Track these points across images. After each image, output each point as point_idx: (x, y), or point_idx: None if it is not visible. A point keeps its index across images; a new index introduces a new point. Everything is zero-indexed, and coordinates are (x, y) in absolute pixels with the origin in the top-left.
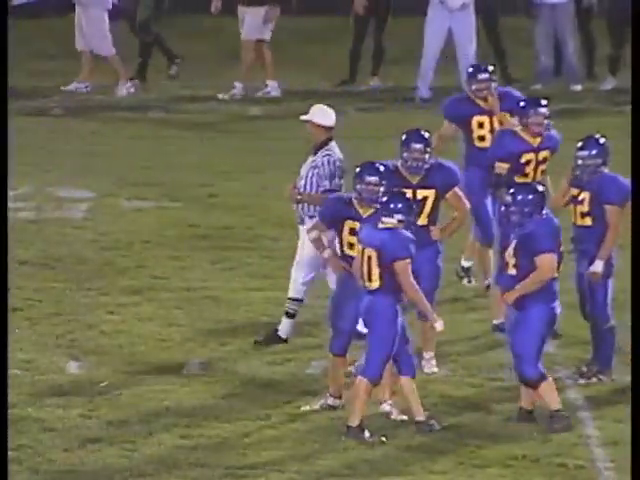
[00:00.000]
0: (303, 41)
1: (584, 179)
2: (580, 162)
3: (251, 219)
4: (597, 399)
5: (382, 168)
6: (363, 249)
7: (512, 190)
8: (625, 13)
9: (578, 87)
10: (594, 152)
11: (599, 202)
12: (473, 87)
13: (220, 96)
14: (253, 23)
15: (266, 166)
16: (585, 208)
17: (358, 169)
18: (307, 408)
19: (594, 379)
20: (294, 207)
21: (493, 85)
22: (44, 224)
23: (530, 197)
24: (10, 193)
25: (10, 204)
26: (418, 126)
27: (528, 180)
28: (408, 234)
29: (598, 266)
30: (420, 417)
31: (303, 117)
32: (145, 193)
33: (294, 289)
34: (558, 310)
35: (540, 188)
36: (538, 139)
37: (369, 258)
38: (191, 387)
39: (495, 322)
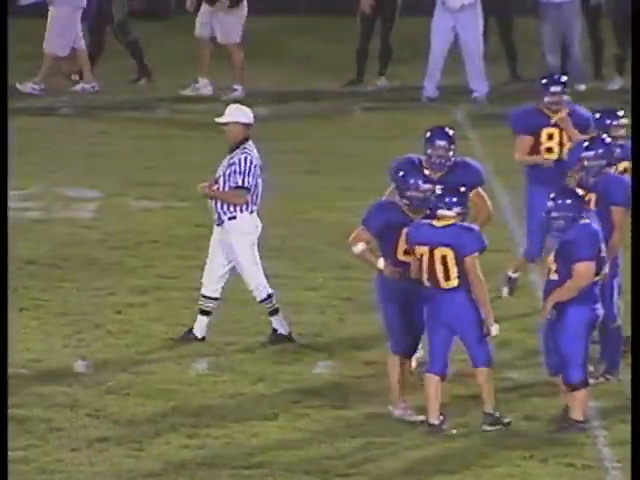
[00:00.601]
0: (310, 40)
1: (589, 180)
2: (586, 163)
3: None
4: (605, 399)
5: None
6: (432, 250)
7: (554, 195)
8: (620, 15)
9: (582, 87)
10: (600, 152)
11: (605, 203)
12: (545, 99)
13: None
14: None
15: (272, 166)
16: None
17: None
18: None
19: (601, 379)
20: (212, 207)
21: (565, 98)
22: (52, 224)
23: (572, 202)
24: (18, 193)
25: (18, 204)
26: (424, 126)
27: None
28: (476, 227)
29: (604, 267)
30: (489, 409)
31: (221, 119)
32: (152, 193)
33: (259, 290)
34: (600, 312)
35: (581, 193)
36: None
37: (443, 257)
38: (198, 387)
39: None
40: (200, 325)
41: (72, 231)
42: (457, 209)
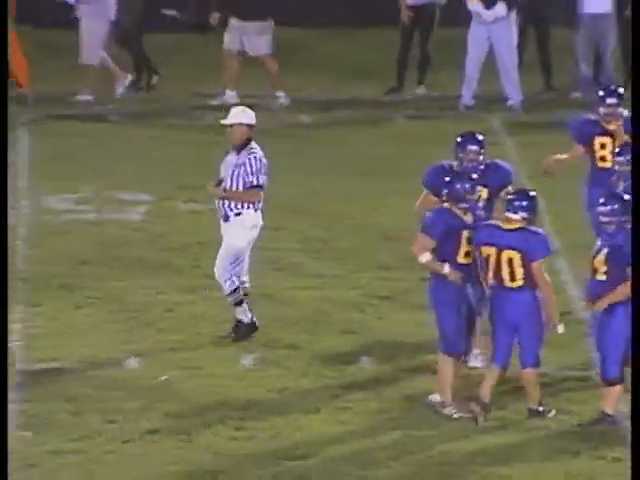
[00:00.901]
0: (352, 51)
1: (621, 184)
2: (617, 167)
3: (301, 221)
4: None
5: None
6: (499, 252)
7: (603, 200)
8: None
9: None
10: (628, 157)
11: None
12: (601, 110)
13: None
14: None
15: (316, 170)
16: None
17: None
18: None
19: None
20: (217, 205)
21: (620, 110)
22: (104, 226)
23: (620, 206)
24: (71, 196)
25: (71, 207)
26: (468, 131)
27: None
28: (543, 233)
29: None
30: (534, 405)
31: (226, 121)
32: (200, 196)
33: (227, 287)
34: None
35: (627, 197)
36: None
37: (510, 260)
38: (245, 381)
39: None
40: (238, 313)
41: (123, 233)
42: (524, 214)
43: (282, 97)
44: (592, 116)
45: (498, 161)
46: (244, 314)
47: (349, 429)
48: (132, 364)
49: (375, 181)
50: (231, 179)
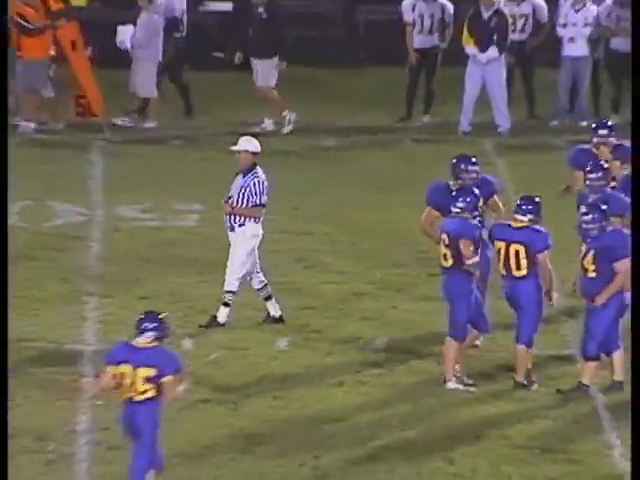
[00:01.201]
0: (368, 86)
1: (591, 196)
2: (588, 182)
3: (328, 226)
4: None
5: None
6: (508, 245)
7: (585, 211)
8: (621, 65)
9: (584, 123)
10: (600, 174)
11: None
12: (594, 140)
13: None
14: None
15: (340, 185)
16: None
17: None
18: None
19: None
20: (226, 217)
21: (610, 139)
22: (165, 230)
23: (600, 214)
24: (138, 207)
25: (138, 215)
26: (461, 154)
27: None
28: (544, 230)
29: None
30: (520, 378)
31: (235, 147)
32: None
33: (230, 284)
34: (628, 301)
35: (604, 207)
36: None
37: (517, 252)
38: (281, 360)
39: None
40: (222, 313)
41: (180, 236)
42: (530, 216)
43: (268, 123)
44: (584, 146)
45: (486, 175)
46: (223, 314)
47: (367, 399)
48: (187, 345)
49: (388, 194)
50: (238, 197)
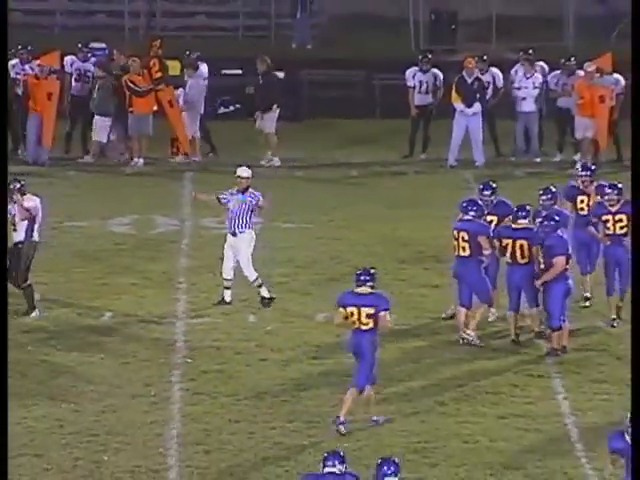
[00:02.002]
0: (383, 132)
1: (543, 213)
2: (541, 202)
3: (353, 233)
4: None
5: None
6: (514, 241)
7: (540, 220)
8: (565, 118)
9: (538, 159)
10: (549, 196)
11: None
12: (578, 180)
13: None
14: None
15: (360, 203)
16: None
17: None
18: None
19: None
20: (229, 224)
21: (589, 179)
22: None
23: (551, 223)
24: (215, 219)
25: (216, 225)
26: (450, 182)
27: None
28: (535, 228)
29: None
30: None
31: (238, 173)
32: (293, 219)
33: (251, 275)
34: (572, 286)
35: (557, 217)
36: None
37: (521, 246)
38: (319, 330)
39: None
40: (227, 294)
41: None
42: (525, 221)
43: (275, 160)
44: (574, 182)
45: (504, 199)
46: (227, 295)
47: (382, 359)
48: (250, 318)
49: (396, 210)
50: (239, 211)
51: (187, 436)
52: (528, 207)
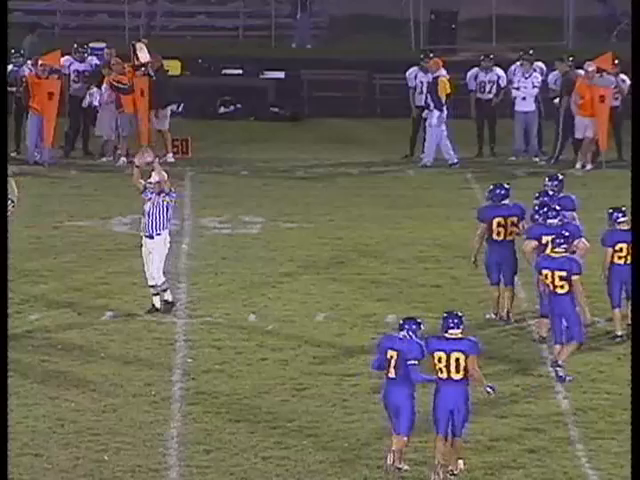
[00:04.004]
0: (384, 132)
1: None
2: (548, 189)
3: (353, 232)
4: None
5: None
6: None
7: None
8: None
9: (538, 159)
10: (556, 183)
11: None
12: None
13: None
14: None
15: (361, 203)
16: None
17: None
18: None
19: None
20: (144, 226)
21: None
22: (236, 236)
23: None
24: (216, 219)
25: (215, 225)
26: (451, 181)
27: None
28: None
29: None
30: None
31: (152, 179)
32: (293, 219)
33: (158, 278)
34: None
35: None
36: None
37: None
38: (319, 329)
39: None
40: (156, 300)
41: (247, 241)
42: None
43: (169, 157)
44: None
45: (519, 203)
46: (157, 301)
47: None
48: (251, 318)
49: (396, 210)
50: (155, 211)
51: (188, 435)
52: (567, 233)
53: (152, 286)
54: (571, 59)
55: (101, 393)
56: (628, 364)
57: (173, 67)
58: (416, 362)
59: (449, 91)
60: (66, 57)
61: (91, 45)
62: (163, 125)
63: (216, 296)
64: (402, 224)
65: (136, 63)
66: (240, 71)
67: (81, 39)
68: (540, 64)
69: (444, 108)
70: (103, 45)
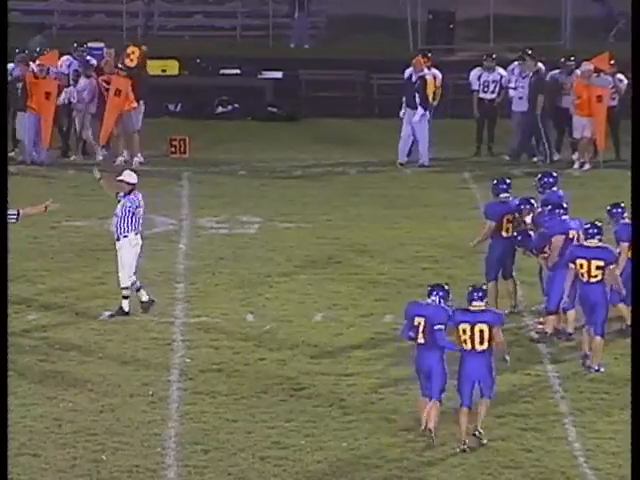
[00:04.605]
0: (381, 132)
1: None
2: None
3: (352, 233)
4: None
5: (508, 181)
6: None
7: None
8: (564, 118)
9: (535, 159)
10: (551, 180)
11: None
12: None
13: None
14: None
15: (359, 203)
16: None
17: (495, 182)
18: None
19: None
20: (113, 229)
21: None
22: (233, 236)
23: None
24: (213, 219)
25: (214, 225)
26: (450, 180)
27: None
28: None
29: None
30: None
31: (120, 178)
32: (291, 219)
33: (124, 280)
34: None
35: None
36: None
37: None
38: (316, 329)
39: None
40: (124, 304)
41: (245, 241)
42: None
43: (139, 158)
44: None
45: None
46: (126, 305)
47: (387, 358)
48: (249, 318)
49: (393, 210)
50: (123, 212)
51: (185, 435)
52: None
53: (124, 288)
54: (572, 59)
55: (99, 393)
56: (625, 364)
57: (171, 67)
58: (442, 327)
59: (434, 89)
60: (65, 57)
61: (89, 45)
62: (135, 125)
63: (214, 296)
64: (400, 224)
65: (123, 65)
66: (238, 71)
67: (79, 39)
68: (539, 64)
69: (429, 107)
70: (102, 45)
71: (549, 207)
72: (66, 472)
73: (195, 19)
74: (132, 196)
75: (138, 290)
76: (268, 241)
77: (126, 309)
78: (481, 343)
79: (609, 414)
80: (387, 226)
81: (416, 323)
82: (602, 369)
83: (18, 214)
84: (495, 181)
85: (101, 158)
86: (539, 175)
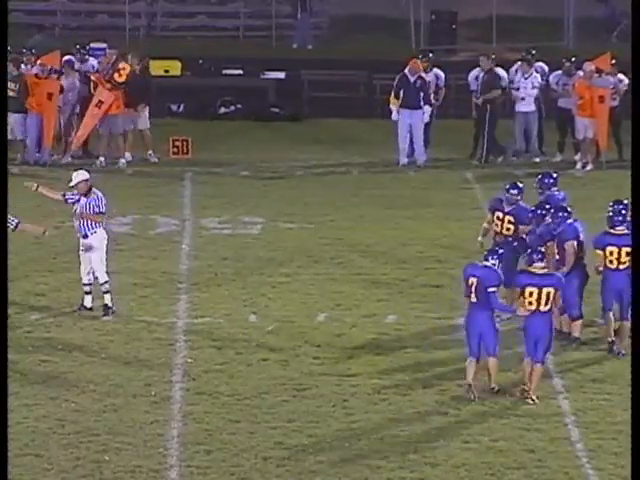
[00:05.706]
0: (384, 133)
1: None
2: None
3: (354, 233)
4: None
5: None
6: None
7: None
8: (565, 118)
9: (537, 159)
10: (551, 181)
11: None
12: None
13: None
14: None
15: (361, 203)
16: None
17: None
18: None
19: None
20: (78, 227)
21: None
22: (236, 237)
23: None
24: (216, 219)
25: (216, 225)
26: (450, 181)
27: None
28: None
29: None
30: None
31: (73, 182)
32: (293, 219)
33: (102, 276)
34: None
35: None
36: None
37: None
38: (319, 330)
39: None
40: (87, 300)
41: (247, 241)
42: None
43: (152, 156)
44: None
45: (524, 205)
46: (88, 300)
47: (387, 358)
48: (252, 318)
49: (395, 210)
50: (86, 209)
51: (188, 436)
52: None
53: (85, 284)
54: (573, 59)
55: (101, 393)
56: (628, 364)
57: (173, 67)
58: (495, 289)
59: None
60: (68, 57)
61: (92, 45)
62: (145, 124)
63: (216, 296)
64: (402, 224)
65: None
66: (240, 71)
67: (81, 39)
68: (541, 64)
69: (432, 106)
70: (104, 45)
71: (552, 211)
72: (69, 472)
73: (198, 19)
74: (93, 197)
75: (106, 292)
76: (271, 241)
77: (88, 305)
78: (546, 304)
79: (612, 414)
80: (389, 226)
81: (470, 283)
82: (623, 352)
83: (17, 225)
84: (540, 176)
85: (70, 160)
86: (539, 175)
